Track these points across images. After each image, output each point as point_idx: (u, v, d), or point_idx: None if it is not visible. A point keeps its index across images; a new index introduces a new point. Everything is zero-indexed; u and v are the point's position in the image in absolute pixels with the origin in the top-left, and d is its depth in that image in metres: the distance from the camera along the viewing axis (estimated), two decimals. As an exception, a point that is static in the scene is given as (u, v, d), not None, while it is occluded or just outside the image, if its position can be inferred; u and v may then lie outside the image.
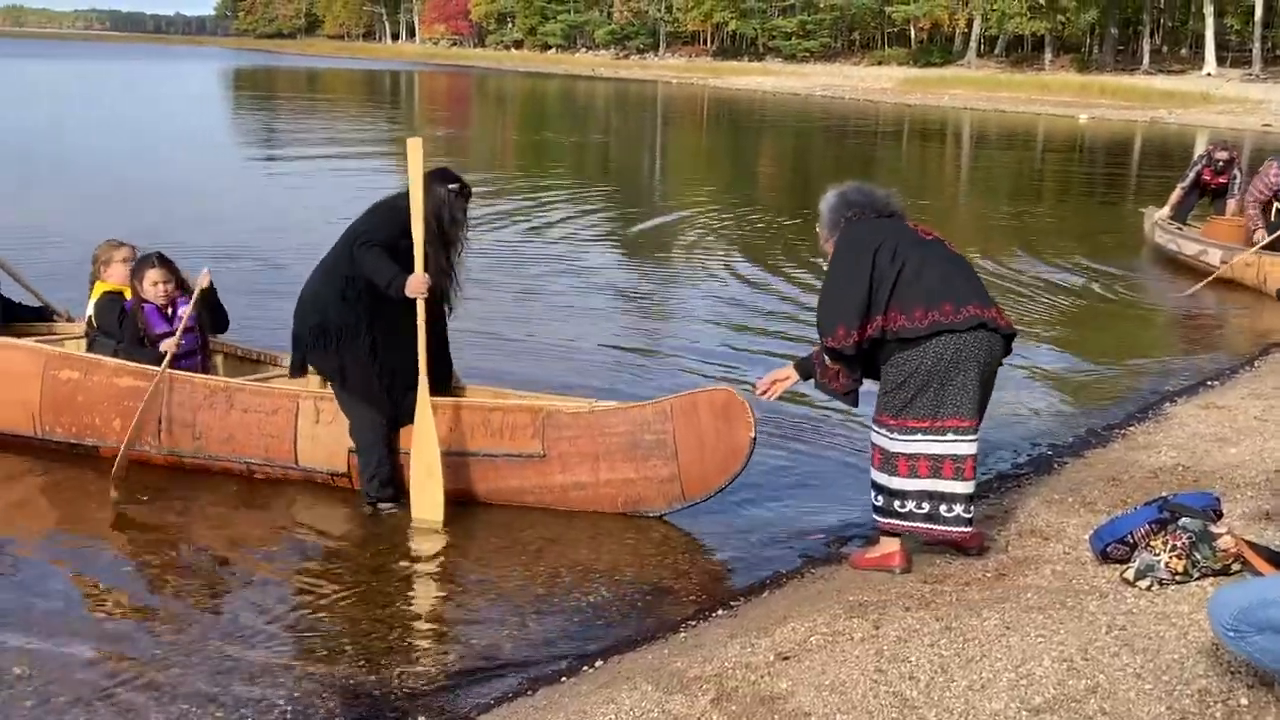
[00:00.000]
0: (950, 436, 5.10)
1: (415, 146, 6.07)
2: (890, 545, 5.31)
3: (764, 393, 5.56)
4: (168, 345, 6.56)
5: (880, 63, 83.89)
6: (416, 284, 5.98)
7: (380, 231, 6.09)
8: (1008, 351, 5.31)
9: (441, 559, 5.85)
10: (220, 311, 7.08)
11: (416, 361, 6.05)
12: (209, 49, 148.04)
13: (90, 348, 7.02)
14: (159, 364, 6.54)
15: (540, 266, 13.64)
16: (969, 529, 5.21)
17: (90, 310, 7.06)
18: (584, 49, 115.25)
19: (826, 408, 7.84)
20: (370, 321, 6.10)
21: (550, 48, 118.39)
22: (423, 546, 5.95)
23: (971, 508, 5.19)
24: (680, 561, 5.79)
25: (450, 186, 6.19)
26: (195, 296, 6.71)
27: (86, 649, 4.85)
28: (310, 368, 6.37)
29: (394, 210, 6.16)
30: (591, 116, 49.72)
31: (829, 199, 5.45)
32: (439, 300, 6.28)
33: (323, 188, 19.87)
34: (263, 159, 25.77)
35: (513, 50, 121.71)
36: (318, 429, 6.36)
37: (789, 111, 53.62)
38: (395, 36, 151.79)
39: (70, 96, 45.04)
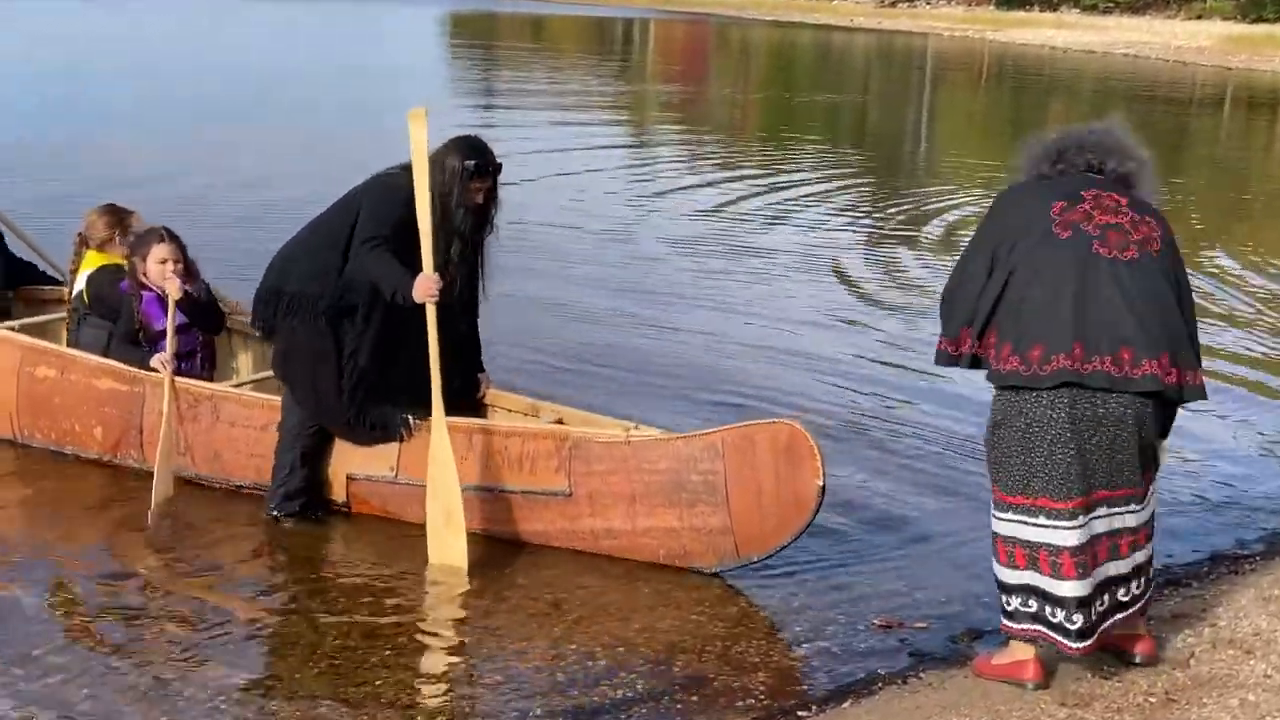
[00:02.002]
0: (1042, 520, 4.46)
1: (417, 118, 5.68)
2: (1023, 651, 4.66)
3: None
4: (159, 362, 6.34)
5: (1200, 16, 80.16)
6: (425, 286, 5.63)
7: (384, 224, 5.78)
8: (1167, 412, 4.51)
9: (451, 624, 5.46)
10: (208, 315, 6.78)
11: (420, 375, 5.72)
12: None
13: (78, 328, 6.84)
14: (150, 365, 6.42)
15: (737, 244, 13.49)
16: (1082, 643, 4.49)
17: (81, 284, 6.85)
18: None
19: (964, 445, 7.38)
20: (366, 318, 5.88)
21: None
22: (432, 605, 5.58)
23: (1079, 615, 4.44)
24: (750, 650, 5.19)
25: (468, 162, 5.77)
26: (170, 309, 6.42)
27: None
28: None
29: (390, 190, 5.82)
30: (848, 73, 49.15)
31: (1044, 136, 4.78)
32: (449, 301, 5.89)
33: (538, 152, 19.91)
34: (475, 115, 26.38)
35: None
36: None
37: (1084, 72, 51.80)
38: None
39: (273, 42, 47.05)
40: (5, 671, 4.84)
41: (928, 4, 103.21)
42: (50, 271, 7.83)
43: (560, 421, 6.11)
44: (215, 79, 28.60)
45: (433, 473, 5.69)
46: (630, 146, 23.26)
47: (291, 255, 6.08)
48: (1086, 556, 4.49)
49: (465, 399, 6.16)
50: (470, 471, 5.78)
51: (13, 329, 6.97)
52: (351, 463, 6.08)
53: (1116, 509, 4.54)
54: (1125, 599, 4.63)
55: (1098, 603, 4.55)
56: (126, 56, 33.92)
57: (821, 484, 5.31)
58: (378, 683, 4.88)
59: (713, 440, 5.51)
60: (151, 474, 6.32)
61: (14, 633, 5.12)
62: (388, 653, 5.12)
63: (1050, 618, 4.54)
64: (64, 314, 7.17)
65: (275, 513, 6.12)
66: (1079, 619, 4.50)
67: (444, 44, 56.39)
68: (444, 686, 4.98)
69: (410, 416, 5.94)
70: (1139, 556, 4.64)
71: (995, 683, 4.74)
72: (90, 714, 4.61)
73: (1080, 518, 4.47)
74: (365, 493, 6.12)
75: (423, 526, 5.83)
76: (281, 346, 6.08)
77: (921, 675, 5.02)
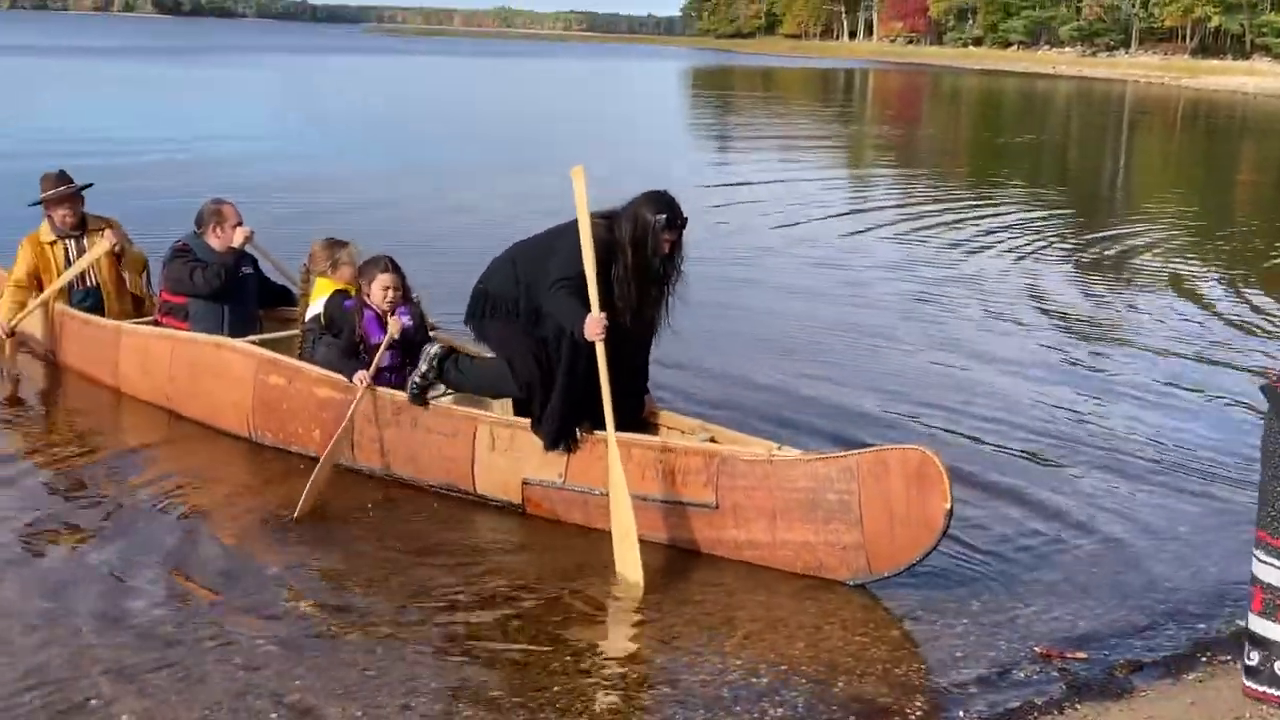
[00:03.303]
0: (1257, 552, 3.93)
1: (578, 175, 5.72)
2: None
3: None
4: (359, 379, 6.42)
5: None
6: (591, 326, 5.60)
7: (573, 267, 5.70)
8: None
9: (629, 634, 5.12)
10: (416, 347, 6.76)
11: (595, 396, 5.64)
12: (672, 48, 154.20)
13: (313, 347, 6.93)
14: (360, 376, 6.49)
15: (939, 271, 13.00)
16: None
17: (318, 308, 6.95)
18: (1047, 46, 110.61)
19: (1143, 474, 6.66)
20: (557, 345, 5.81)
21: (1011, 45, 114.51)
22: (614, 614, 5.25)
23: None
24: (910, 672, 4.76)
25: (659, 216, 5.66)
26: (386, 341, 6.48)
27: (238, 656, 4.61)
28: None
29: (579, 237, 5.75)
30: (1050, 117, 47.63)
31: None
32: (633, 333, 5.86)
33: (762, 184, 19.94)
34: (710, 152, 26.34)
35: (970, 48, 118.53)
36: (494, 456, 6.09)
37: (1274, 114, 49.06)
38: (852, 34, 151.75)
39: (539, 91, 48.19)
40: (225, 659, 4.72)
41: (1126, 53, 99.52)
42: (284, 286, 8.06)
43: (712, 440, 5.94)
44: (520, 131, 29.55)
45: (612, 493, 5.58)
46: (847, 180, 23.01)
47: (497, 266, 6.12)
48: None
49: (632, 417, 6.06)
50: (629, 481, 5.63)
51: (253, 343, 7.16)
52: (526, 469, 6.04)
53: None
54: None
55: None
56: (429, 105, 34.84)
57: (949, 507, 5.01)
58: (555, 689, 4.61)
59: (849, 463, 5.27)
60: (359, 470, 6.43)
61: (229, 622, 5.00)
62: (568, 658, 4.84)
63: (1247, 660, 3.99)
64: (297, 331, 7.29)
65: (431, 370, 6.25)
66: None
67: (686, 92, 56.71)
68: (615, 696, 4.64)
69: (579, 430, 5.90)
70: None
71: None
72: (297, 706, 4.43)
73: None
74: (537, 496, 6.06)
75: (588, 529, 5.85)
76: (488, 339, 6.16)
77: (1077, 707, 4.51)
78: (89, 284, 8.15)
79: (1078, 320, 10.93)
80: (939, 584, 5.44)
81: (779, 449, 5.62)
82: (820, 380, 8.57)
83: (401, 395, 6.41)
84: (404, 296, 6.68)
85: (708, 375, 8.42)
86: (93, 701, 4.36)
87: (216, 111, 32.98)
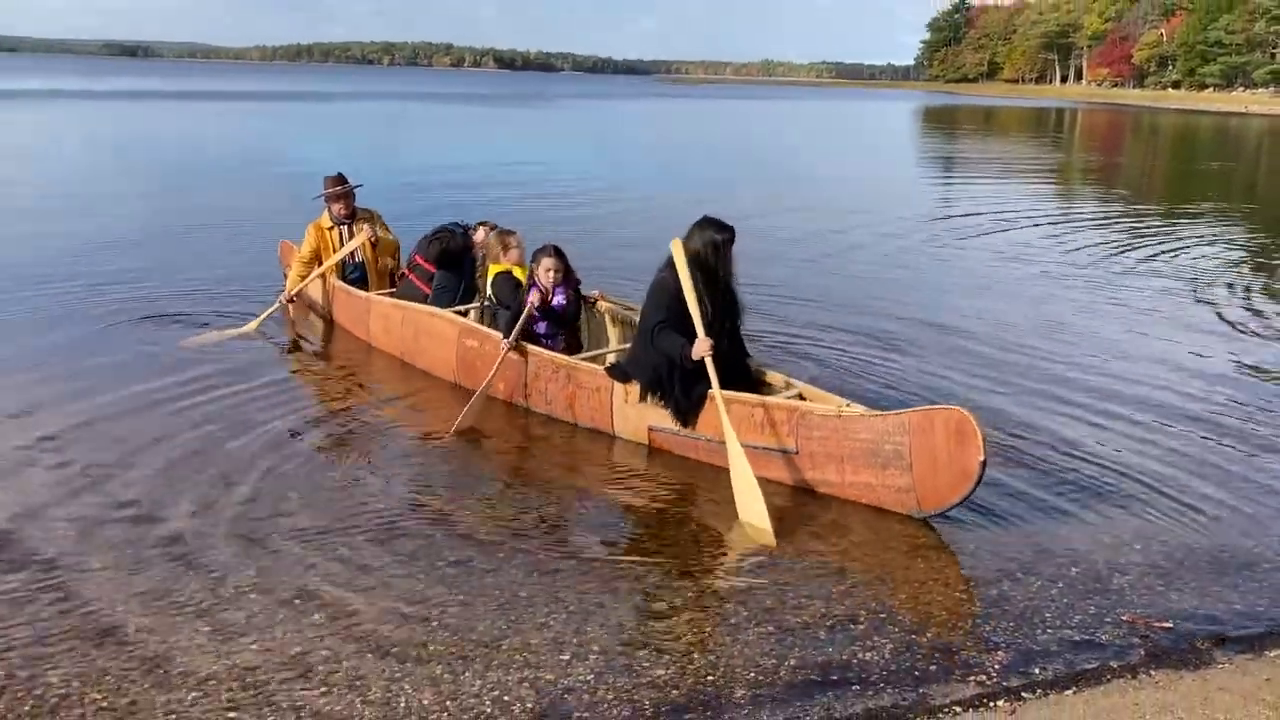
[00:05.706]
0: None
1: (678, 246, 5.93)
2: None
3: None
4: (504, 346, 6.68)
5: None
6: (700, 348, 5.72)
7: (661, 310, 5.88)
8: None
9: (749, 577, 4.66)
10: (558, 317, 6.90)
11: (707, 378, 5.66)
12: (905, 91, 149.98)
13: (494, 318, 7.20)
14: (531, 339, 6.74)
15: (1117, 275, 11.96)
16: None
17: (489, 288, 7.23)
18: (1241, 88, 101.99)
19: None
20: (670, 368, 5.88)
21: (1207, 87, 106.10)
22: (738, 559, 4.84)
23: None
24: (998, 629, 4.21)
25: (718, 236, 5.83)
26: (526, 311, 6.67)
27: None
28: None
29: (659, 286, 5.93)
30: (1240, 149, 43.70)
31: None
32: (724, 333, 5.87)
33: (981, 192, 19.40)
34: (937, 175, 25.58)
35: (1169, 90, 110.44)
36: (627, 407, 6.22)
37: None
38: (1064, 79, 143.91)
39: (791, 128, 47.85)
40: (408, 572, 4.59)
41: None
42: None
43: (801, 397, 5.90)
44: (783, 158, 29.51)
45: (730, 456, 5.42)
46: (1051, 198, 21.86)
47: (632, 350, 6.24)
48: None
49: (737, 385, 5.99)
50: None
51: (459, 313, 7.52)
52: (651, 418, 6.17)
53: None
54: None
55: None
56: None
57: (983, 459, 4.87)
58: (673, 619, 4.29)
59: (902, 419, 5.17)
60: (532, 412, 6.68)
61: (409, 536, 4.86)
62: (690, 595, 4.50)
63: None
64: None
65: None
66: None
67: (919, 126, 55.37)
68: (724, 631, 4.27)
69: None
70: None
71: (1219, 692, 3.56)
72: (457, 617, 4.26)
73: None
74: (660, 440, 6.16)
75: (712, 469, 5.76)
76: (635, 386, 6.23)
77: (1151, 673, 3.92)
78: (356, 261, 8.88)
79: (1249, 322, 9.78)
80: (1045, 551, 4.87)
81: (847, 405, 5.56)
82: (1001, 358, 8.12)
83: (560, 356, 6.61)
84: (564, 278, 6.83)
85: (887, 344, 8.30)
86: (296, 601, 4.30)
87: (537, 142, 34.11)
